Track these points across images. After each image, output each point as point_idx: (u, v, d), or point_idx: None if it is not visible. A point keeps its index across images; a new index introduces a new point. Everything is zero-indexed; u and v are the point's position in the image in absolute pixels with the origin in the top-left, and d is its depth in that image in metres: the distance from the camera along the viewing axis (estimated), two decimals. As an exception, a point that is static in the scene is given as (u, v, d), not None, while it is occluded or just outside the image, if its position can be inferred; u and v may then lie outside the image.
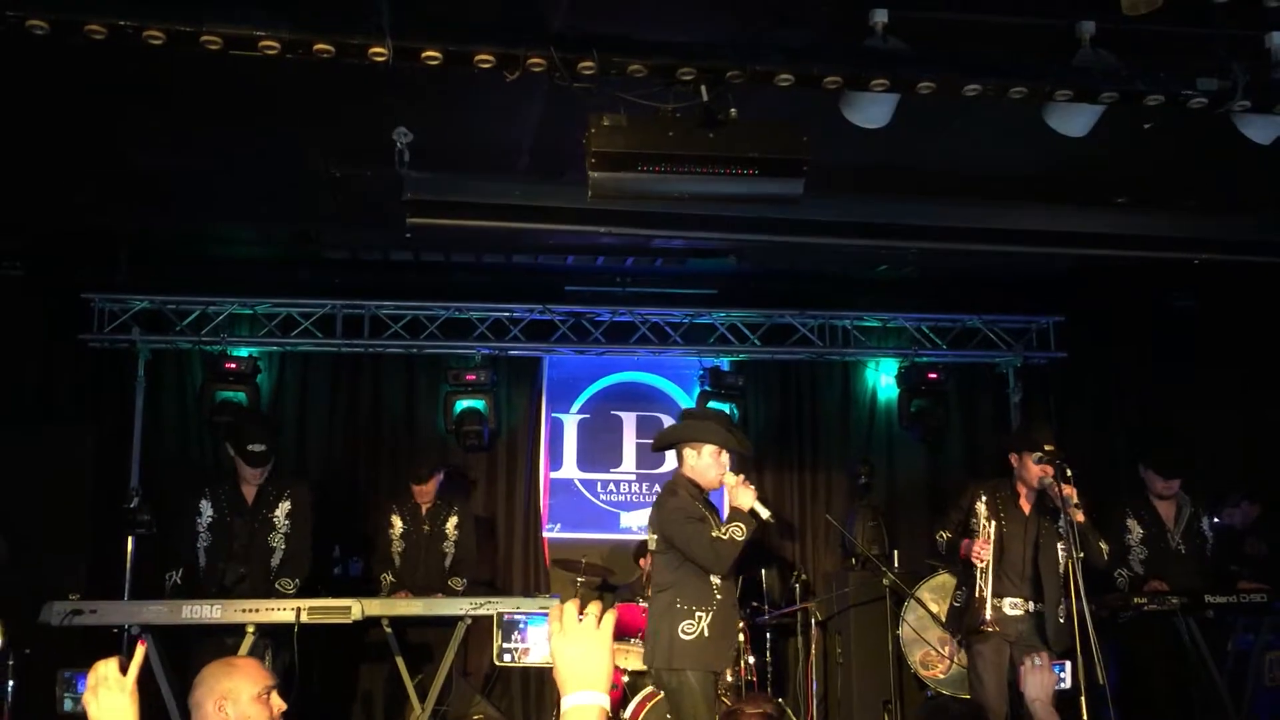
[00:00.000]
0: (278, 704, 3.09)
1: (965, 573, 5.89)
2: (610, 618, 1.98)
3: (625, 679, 6.78)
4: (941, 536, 6.03)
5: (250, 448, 6.28)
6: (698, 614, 5.15)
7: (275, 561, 6.37)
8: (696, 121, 3.94)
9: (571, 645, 1.95)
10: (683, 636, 5.13)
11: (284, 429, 7.90)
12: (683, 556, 5.21)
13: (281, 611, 5.69)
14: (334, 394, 8.34)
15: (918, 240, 5.51)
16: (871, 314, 8.51)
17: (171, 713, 5.81)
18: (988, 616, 5.66)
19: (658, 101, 4.03)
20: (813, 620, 7.10)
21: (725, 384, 8.30)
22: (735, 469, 5.51)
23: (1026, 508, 5.91)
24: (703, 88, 3.88)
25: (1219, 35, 4.23)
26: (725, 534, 5.18)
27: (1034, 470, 5.74)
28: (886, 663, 7.26)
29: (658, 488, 8.53)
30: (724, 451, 5.40)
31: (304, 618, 5.66)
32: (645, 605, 6.98)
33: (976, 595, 5.71)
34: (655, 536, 5.38)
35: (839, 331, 8.52)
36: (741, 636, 6.10)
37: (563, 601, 2.06)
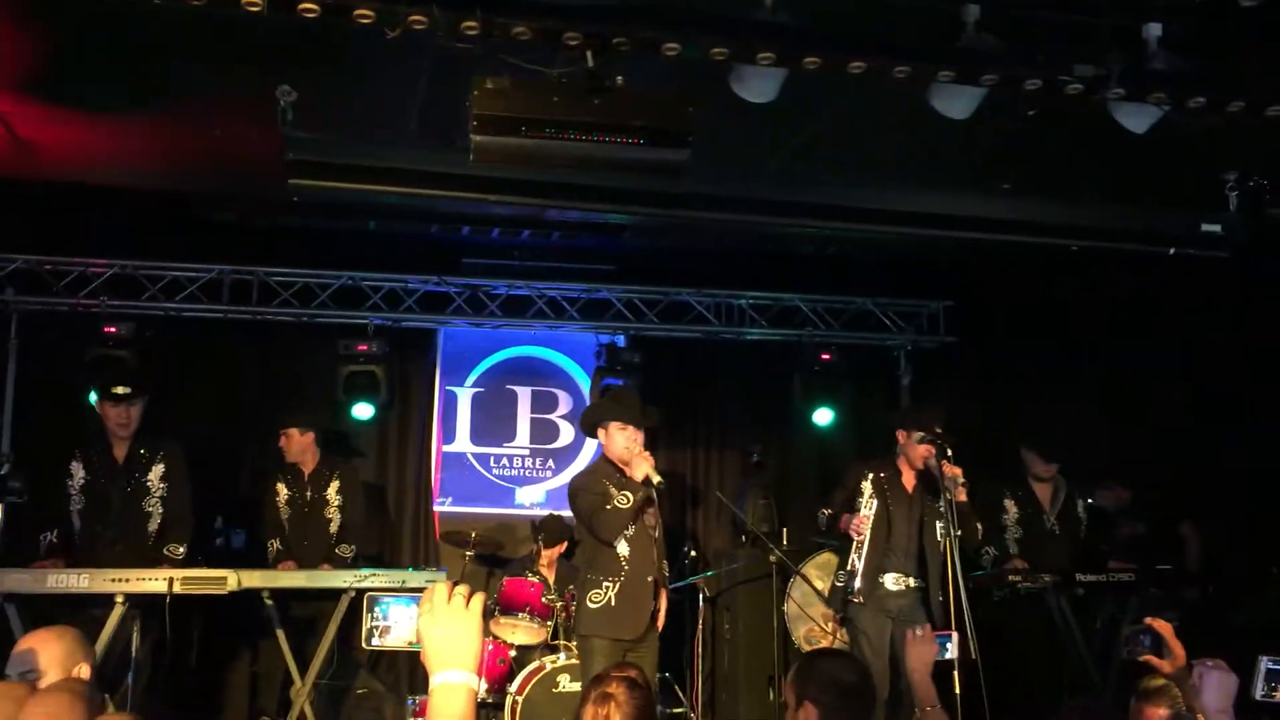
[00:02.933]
0: None
1: (845, 548, 6.02)
2: (479, 599, 1.99)
3: (513, 653, 6.74)
4: (823, 514, 6.17)
5: (114, 389, 6.09)
6: (605, 584, 5.45)
7: (152, 527, 6.18)
8: (582, 88, 3.91)
9: (439, 626, 1.95)
10: (589, 605, 5.45)
11: (166, 397, 7.67)
12: None
13: (153, 581, 5.51)
14: (221, 362, 8.12)
15: (808, 218, 5.53)
16: (767, 294, 8.55)
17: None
18: (856, 586, 5.83)
19: (545, 66, 3.99)
20: (701, 596, 7.14)
21: (622, 360, 8.28)
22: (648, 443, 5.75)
23: (910, 485, 6.05)
24: (588, 53, 3.84)
25: (1101, 24, 4.33)
26: (611, 505, 5.40)
27: (919, 450, 5.88)
28: (772, 638, 7.36)
29: (551, 462, 8.66)
30: (626, 426, 5.63)
31: (177, 588, 5.48)
32: (535, 580, 6.99)
33: (848, 568, 5.86)
34: None
35: (735, 310, 8.56)
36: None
37: (450, 576, 2.06)
